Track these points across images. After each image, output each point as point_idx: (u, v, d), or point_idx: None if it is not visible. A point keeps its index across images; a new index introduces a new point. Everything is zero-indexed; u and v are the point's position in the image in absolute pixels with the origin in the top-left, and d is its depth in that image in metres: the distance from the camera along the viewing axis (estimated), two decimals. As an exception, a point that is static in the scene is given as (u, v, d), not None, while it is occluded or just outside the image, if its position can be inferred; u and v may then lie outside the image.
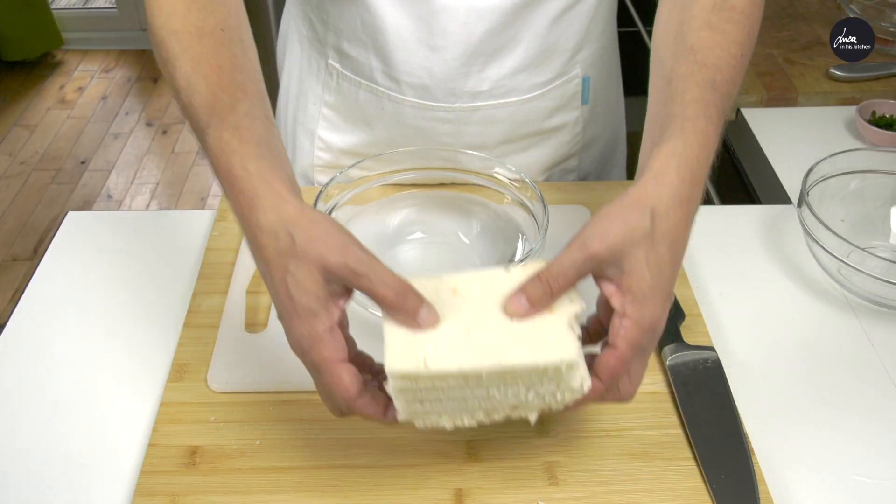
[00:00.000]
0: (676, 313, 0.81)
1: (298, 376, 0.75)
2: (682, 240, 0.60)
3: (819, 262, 0.89)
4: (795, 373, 0.79)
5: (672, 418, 0.73)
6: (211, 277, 0.87)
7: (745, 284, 0.89)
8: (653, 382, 0.76)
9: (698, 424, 0.72)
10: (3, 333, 0.83)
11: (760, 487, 0.67)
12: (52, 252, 0.93)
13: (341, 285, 0.58)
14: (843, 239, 0.82)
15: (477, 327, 0.58)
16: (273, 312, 0.82)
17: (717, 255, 0.92)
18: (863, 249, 0.81)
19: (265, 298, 0.84)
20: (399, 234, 0.89)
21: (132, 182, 2.79)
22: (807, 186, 0.89)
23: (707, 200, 1.47)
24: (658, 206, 0.59)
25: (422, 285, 0.59)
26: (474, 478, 0.68)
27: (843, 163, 0.93)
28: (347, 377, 0.58)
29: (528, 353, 0.56)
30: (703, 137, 0.62)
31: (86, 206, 2.68)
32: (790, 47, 1.44)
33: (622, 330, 0.58)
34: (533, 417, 0.60)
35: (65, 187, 2.77)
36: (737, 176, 1.35)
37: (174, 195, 2.73)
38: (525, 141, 0.97)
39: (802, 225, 0.87)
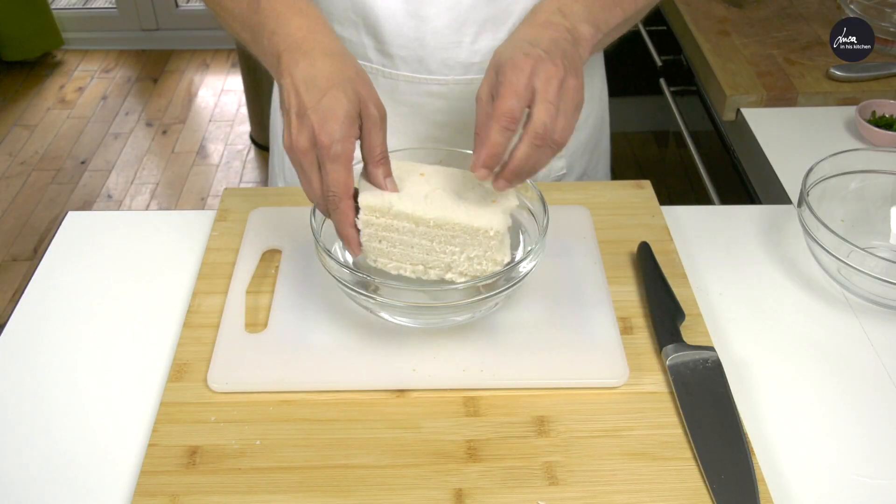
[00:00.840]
0: (676, 313, 0.81)
1: (298, 376, 0.76)
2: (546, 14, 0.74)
3: (819, 262, 0.89)
4: (795, 373, 0.79)
5: (672, 418, 0.73)
6: (211, 277, 0.87)
7: (745, 284, 0.89)
8: (653, 382, 0.76)
9: (698, 424, 0.72)
10: (3, 333, 0.83)
11: (760, 487, 0.67)
12: (52, 252, 0.93)
13: (358, 123, 0.71)
14: (843, 239, 0.82)
15: (434, 196, 0.73)
16: (273, 312, 0.82)
17: (717, 255, 0.92)
18: (863, 249, 0.81)
19: (265, 298, 0.84)
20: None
21: (132, 182, 2.79)
22: (807, 186, 0.89)
23: (707, 200, 1.48)
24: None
25: (398, 166, 0.75)
26: (474, 478, 0.68)
27: (843, 163, 0.93)
28: (352, 178, 0.71)
29: (466, 217, 0.71)
30: None
31: (86, 206, 2.68)
32: (790, 47, 1.44)
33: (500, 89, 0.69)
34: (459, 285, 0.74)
35: (65, 187, 2.77)
36: (737, 176, 1.35)
37: (174, 195, 2.73)
38: None
39: (802, 225, 0.87)
